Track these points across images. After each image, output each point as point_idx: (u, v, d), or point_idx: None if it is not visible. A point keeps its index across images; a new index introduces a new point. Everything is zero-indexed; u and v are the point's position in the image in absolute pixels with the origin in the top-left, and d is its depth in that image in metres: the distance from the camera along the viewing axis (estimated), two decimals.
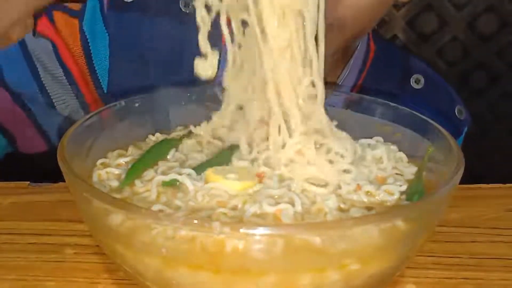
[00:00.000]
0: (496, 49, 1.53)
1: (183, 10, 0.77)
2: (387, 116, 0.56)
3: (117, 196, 0.44)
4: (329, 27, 0.64)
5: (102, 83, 0.79)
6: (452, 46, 1.53)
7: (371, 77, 0.83)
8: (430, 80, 0.88)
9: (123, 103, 0.53)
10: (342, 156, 0.47)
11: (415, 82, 0.87)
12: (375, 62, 0.84)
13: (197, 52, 0.74)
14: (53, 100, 0.79)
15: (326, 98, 0.58)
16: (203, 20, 0.45)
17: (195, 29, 0.66)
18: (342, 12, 0.63)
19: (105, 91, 0.80)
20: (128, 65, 0.78)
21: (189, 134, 0.54)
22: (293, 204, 0.41)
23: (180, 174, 0.46)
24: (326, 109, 0.50)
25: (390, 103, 0.56)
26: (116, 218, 0.37)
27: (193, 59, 0.68)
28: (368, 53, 0.84)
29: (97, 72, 0.79)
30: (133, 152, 0.52)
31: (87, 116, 0.50)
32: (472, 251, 0.58)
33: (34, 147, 0.81)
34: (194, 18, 0.72)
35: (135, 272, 0.39)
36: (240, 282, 0.36)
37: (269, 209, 0.41)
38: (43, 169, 0.68)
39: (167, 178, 0.45)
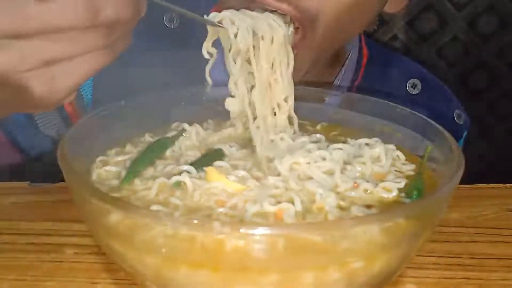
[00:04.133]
0: (496, 49, 1.53)
1: (167, 25, 0.76)
2: (387, 116, 0.56)
3: (116, 195, 0.44)
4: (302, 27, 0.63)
5: (84, 97, 0.77)
6: (452, 46, 1.52)
7: (365, 85, 0.81)
8: (426, 84, 0.86)
9: (123, 103, 0.53)
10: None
11: (412, 87, 0.85)
12: (369, 69, 0.82)
13: (182, 68, 0.75)
14: (35, 118, 0.76)
15: (323, 100, 0.59)
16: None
17: (180, 45, 0.67)
18: (316, 9, 0.62)
19: (87, 103, 0.77)
20: (111, 82, 0.76)
21: (182, 131, 0.55)
22: (293, 203, 0.42)
23: (180, 171, 0.46)
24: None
25: (390, 103, 0.56)
26: (116, 217, 0.37)
27: (178, 74, 0.69)
28: (361, 60, 0.82)
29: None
30: (130, 150, 0.53)
31: (87, 117, 0.50)
32: (472, 251, 0.58)
33: (7, 160, 0.80)
34: (179, 33, 0.74)
35: (135, 271, 0.39)
36: (241, 281, 0.36)
37: (270, 208, 0.41)
38: (43, 169, 0.68)
39: (171, 180, 0.45)
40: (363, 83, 0.81)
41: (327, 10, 0.62)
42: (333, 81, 0.80)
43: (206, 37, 0.76)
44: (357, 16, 0.66)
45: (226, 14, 0.53)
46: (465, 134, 0.88)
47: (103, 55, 0.43)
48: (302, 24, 0.62)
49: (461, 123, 0.87)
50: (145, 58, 0.76)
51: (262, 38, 0.54)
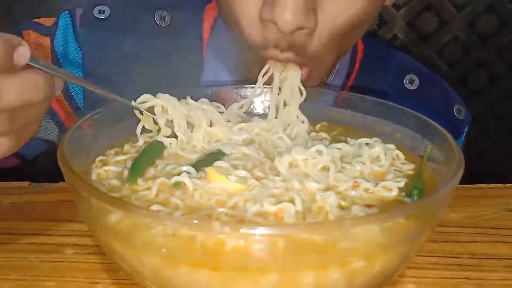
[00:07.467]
0: (496, 49, 1.53)
1: (158, 24, 0.76)
2: (387, 116, 0.56)
3: (116, 195, 0.44)
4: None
5: (77, 100, 0.77)
6: (452, 46, 1.53)
7: (361, 80, 0.79)
8: (425, 80, 0.83)
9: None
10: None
11: (409, 82, 0.82)
12: (364, 64, 0.80)
13: (173, 65, 0.75)
14: None
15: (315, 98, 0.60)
16: None
17: (171, 43, 0.66)
18: (320, 50, 0.61)
19: (82, 108, 0.77)
20: (103, 83, 0.76)
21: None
22: (293, 203, 0.42)
23: (180, 172, 0.46)
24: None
25: (390, 103, 0.56)
26: (116, 217, 0.37)
27: (170, 73, 0.68)
28: (355, 55, 0.80)
29: (70, 90, 0.76)
30: (129, 150, 0.53)
31: (86, 117, 0.50)
32: (472, 251, 0.58)
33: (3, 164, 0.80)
34: (170, 32, 0.74)
35: (135, 271, 0.39)
36: (241, 281, 0.36)
37: (270, 208, 0.41)
38: (43, 169, 0.68)
39: (171, 180, 0.45)
40: (357, 81, 0.80)
41: (329, 46, 0.61)
42: (327, 76, 0.79)
43: (197, 35, 0.76)
44: (362, 24, 0.64)
45: (158, 102, 0.52)
46: (466, 129, 0.87)
47: (6, 141, 0.41)
48: (308, 65, 0.62)
49: (462, 118, 0.85)
50: (136, 57, 0.76)
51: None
